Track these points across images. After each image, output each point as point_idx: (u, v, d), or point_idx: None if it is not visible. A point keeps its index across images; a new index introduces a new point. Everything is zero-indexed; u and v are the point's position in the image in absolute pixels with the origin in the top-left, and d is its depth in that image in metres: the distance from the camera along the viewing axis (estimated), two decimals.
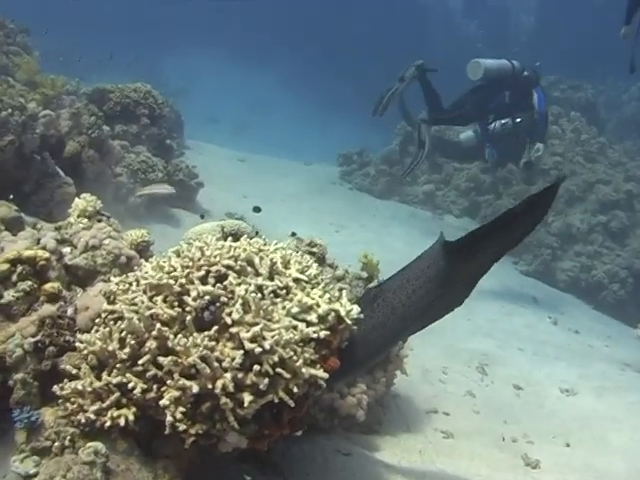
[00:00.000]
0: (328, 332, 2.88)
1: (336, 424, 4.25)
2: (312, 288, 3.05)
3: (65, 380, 2.77)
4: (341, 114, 25.20)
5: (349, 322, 3.01)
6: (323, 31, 30.03)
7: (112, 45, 16.89)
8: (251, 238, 4.26)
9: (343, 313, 3.00)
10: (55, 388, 2.76)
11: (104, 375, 2.71)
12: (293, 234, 4.51)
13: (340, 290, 3.29)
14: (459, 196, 14.69)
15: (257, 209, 4.78)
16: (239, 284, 2.80)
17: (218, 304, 2.72)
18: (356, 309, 3.07)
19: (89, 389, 2.69)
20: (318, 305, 2.94)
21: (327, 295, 3.02)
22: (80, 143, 7.56)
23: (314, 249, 4.42)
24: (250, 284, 2.79)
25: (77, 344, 2.81)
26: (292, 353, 2.69)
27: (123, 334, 2.72)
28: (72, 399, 2.72)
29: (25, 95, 7.80)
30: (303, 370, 2.70)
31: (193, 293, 2.73)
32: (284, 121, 24.05)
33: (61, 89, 8.18)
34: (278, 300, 2.86)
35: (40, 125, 7.15)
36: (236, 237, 4.15)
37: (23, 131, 6.61)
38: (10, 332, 2.91)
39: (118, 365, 2.69)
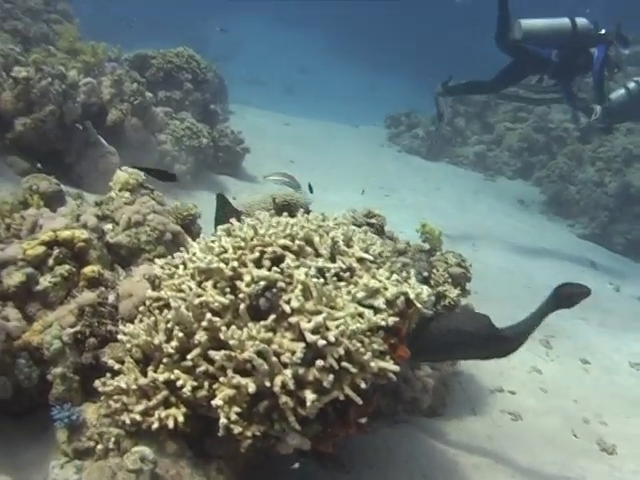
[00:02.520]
0: (397, 318, 2.55)
1: (399, 409, 3.95)
2: (378, 268, 2.73)
3: (107, 374, 2.51)
4: (389, 76, 24.67)
5: (419, 305, 2.68)
6: None
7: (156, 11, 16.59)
8: (306, 210, 3.97)
9: (412, 296, 2.67)
10: (97, 383, 2.50)
11: (150, 371, 2.44)
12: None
13: (404, 267, 2.98)
14: (511, 157, 14.16)
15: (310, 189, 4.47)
16: (298, 267, 2.48)
17: (275, 290, 2.41)
18: (426, 291, 2.74)
19: (134, 386, 2.42)
20: (385, 288, 2.61)
21: (395, 276, 2.69)
22: (122, 111, 7.31)
23: (372, 220, 4.08)
24: (310, 267, 2.48)
25: (120, 336, 2.53)
26: (359, 345, 2.38)
27: (170, 325, 2.44)
28: (115, 397, 2.46)
29: (66, 63, 7.57)
30: (372, 363, 2.39)
31: (247, 278, 2.43)
32: (330, 84, 23.58)
33: (102, 56, 7.91)
34: (342, 284, 2.54)
35: (81, 93, 6.91)
36: (289, 208, 3.85)
37: (64, 100, 6.36)
38: (48, 322, 2.66)
39: (165, 360, 2.41)
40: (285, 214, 2.82)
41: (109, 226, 3.43)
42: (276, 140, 12.85)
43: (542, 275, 8.81)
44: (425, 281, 4.00)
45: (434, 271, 4.09)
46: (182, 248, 2.76)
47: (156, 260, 2.74)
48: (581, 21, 8.92)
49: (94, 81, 7.12)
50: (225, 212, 3.36)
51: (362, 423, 2.51)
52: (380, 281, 2.63)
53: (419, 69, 23.46)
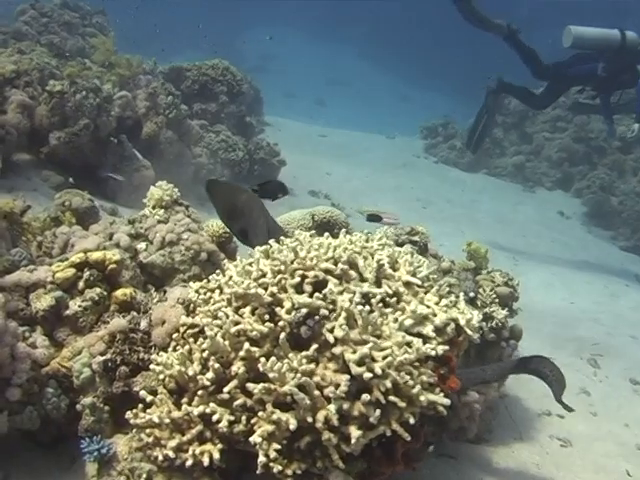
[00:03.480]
0: (447, 347, 2.37)
1: (444, 437, 3.76)
2: (425, 292, 2.56)
3: (139, 406, 2.37)
4: (422, 85, 24.49)
5: (470, 332, 2.50)
6: None
7: (191, 23, 16.59)
8: (346, 228, 3.81)
9: (463, 322, 2.49)
10: (128, 415, 2.36)
11: (184, 403, 2.29)
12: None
13: (450, 288, 2.80)
14: (551, 167, 13.88)
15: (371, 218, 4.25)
16: (341, 292, 2.32)
17: (317, 318, 2.25)
18: (477, 316, 2.56)
19: (167, 420, 2.27)
20: (434, 314, 2.44)
21: (444, 301, 2.52)
22: (157, 124, 7.24)
23: (415, 237, 3.90)
24: (354, 292, 2.31)
25: (152, 366, 2.39)
26: (407, 377, 2.21)
27: (205, 354, 2.29)
28: (147, 430, 2.31)
29: (101, 77, 7.54)
30: (421, 397, 2.22)
31: (287, 304, 2.28)
32: (364, 94, 23.48)
33: (137, 69, 7.86)
34: (388, 311, 2.37)
35: (116, 107, 6.85)
36: (329, 226, 3.71)
37: (98, 114, 6.30)
38: (77, 348, 2.53)
39: (200, 392, 2.26)
40: (327, 234, 2.66)
41: (142, 245, 3.30)
42: (312, 152, 12.75)
43: (585, 290, 8.57)
44: (471, 302, 3.81)
45: (481, 291, 3.89)
46: (218, 270, 2.60)
47: (191, 284, 2.60)
48: (631, 35, 8.67)
49: (129, 94, 7.06)
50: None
51: (410, 460, 2.34)
52: (428, 307, 2.46)
53: (452, 80, 23.30)
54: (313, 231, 2.68)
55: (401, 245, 3.84)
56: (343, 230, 2.85)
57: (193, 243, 3.29)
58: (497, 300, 3.91)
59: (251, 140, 8.93)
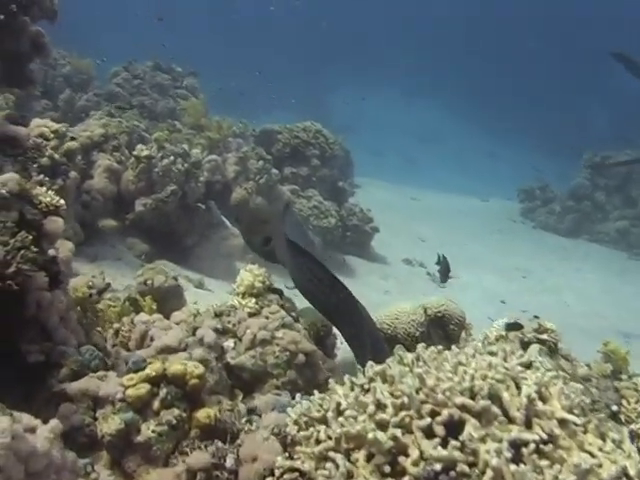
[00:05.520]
0: None
1: None
2: (584, 432, 1.98)
3: None
4: (515, 144, 23.86)
5: None
6: (494, 54, 28.78)
7: (280, 82, 16.61)
8: (461, 322, 3.29)
9: (633, 472, 1.90)
10: None
11: None
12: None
13: (594, 404, 2.23)
14: None
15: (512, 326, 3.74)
16: (484, 439, 1.78)
17: (453, 474, 1.72)
18: None
19: None
20: (600, 465, 1.86)
21: (609, 444, 1.94)
22: (247, 190, 6.91)
23: (544, 336, 3.31)
24: (501, 439, 1.77)
25: None
26: None
27: None
28: None
29: (191, 139, 7.31)
30: None
31: (413, 454, 1.75)
32: (454, 151, 23.01)
33: (227, 132, 7.61)
34: (544, 464, 1.81)
35: (205, 171, 6.56)
36: (444, 322, 3.18)
37: (186, 180, 6.00)
38: None
39: None
40: (456, 350, 2.13)
41: (230, 343, 2.85)
42: (404, 216, 12.31)
43: None
44: (614, 417, 3.18)
45: (624, 403, 3.26)
46: (322, 396, 2.10)
47: (289, 411, 2.09)
48: None
49: (218, 158, 6.78)
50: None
51: None
52: (592, 453, 1.89)
53: (545, 139, 22.68)
54: (440, 346, 2.15)
55: (527, 345, 3.28)
56: (474, 342, 2.31)
57: (289, 342, 2.82)
58: None
59: (343, 205, 8.53)
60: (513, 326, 3.27)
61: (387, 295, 7.74)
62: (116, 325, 3.22)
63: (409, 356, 2.08)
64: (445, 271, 5.34)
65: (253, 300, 3.10)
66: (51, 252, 2.59)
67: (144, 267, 4.21)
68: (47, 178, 4.00)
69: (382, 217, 9.90)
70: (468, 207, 14.73)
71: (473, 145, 24.66)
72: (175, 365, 2.23)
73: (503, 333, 3.38)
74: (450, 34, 29.58)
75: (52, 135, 4.15)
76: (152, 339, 2.96)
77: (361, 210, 8.62)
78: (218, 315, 2.99)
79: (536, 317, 3.93)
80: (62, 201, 2.62)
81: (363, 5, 29.91)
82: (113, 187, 5.87)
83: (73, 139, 4.45)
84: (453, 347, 2.19)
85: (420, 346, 2.14)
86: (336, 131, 11.39)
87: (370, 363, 2.12)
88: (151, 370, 2.21)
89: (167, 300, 4.07)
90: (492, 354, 2.16)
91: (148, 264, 4.55)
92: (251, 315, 2.97)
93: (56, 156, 4.05)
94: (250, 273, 3.23)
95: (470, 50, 28.87)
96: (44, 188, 2.61)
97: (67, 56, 9.66)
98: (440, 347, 2.16)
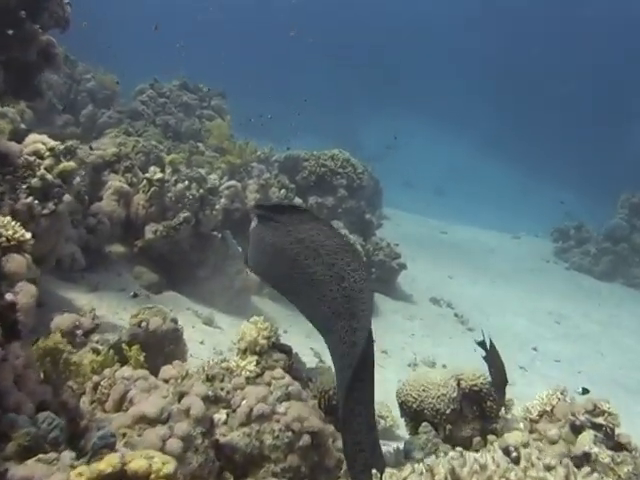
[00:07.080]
0: None
1: None
2: None
3: None
4: (548, 179, 23.27)
5: None
6: (526, 88, 28.35)
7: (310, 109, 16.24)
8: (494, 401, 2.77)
9: None
10: None
11: None
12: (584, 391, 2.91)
13: None
14: None
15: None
16: None
17: None
18: None
19: None
20: None
21: None
22: None
23: (599, 419, 2.76)
24: None
25: None
26: None
27: None
28: None
29: (212, 162, 6.89)
30: None
31: None
32: (483, 185, 22.44)
33: (249, 157, 7.16)
34: None
35: (223, 197, 6.12)
36: (479, 397, 2.67)
37: (201, 207, 5.56)
38: None
39: None
40: (496, 460, 1.62)
41: (222, 416, 2.36)
42: (432, 251, 11.79)
43: None
44: None
45: None
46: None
47: None
48: None
49: (238, 185, 6.34)
50: None
51: None
52: None
53: (579, 175, 22.17)
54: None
55: (579, 430, 2.74)
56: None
57: (293, 419, 2.32)
58: None
59: (370, 239, 8.03)
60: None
61: (412, 338, 7.23)
62: (96, 378, 2.77)
63: (442, 471, 1.58)
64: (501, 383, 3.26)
65: (255, 360, 2.60)
66: (9, 297, 2.13)
67: (141, 307, 3.75)
68: (37, 201, 3.55)
69: (409, 251, 9.44)
70: (498, 243, 14.17)
71: (503, 179, 24.14)
72: (137, 461, 1.73)
73: (548, 409, 2.86)
74: (484, 69, 29.30)
75: (48, 153, 3.70)
76: (131, 402, 2.50)
77: (388, 245, 8.12)
78: (210, 379, 2.50)
79: (585, 390, 3.40)
80: (28, 235, 2.17)
81: (397, 39, 29.78)
82: (122, 211, 5.45)
83: (71, 158, 4.00)
84: (496, 447, 1.69)
85: (452, 453, 1.64)
86: (367, 160, 10.94)
87: None
88: (107, 465, 1.71)
89: (163, 345, 3.62)
90: (549, 469, 1.66)
91: (147, 304, 4.10)
92: (249, 382, 2.47)
93: (48, 177, 3.60)
94: (254, 326, 2.73)
95: (501, 85, 28.54)
96: (7, 218, 2.16)
97: (92, 71, 9.32)
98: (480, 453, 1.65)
